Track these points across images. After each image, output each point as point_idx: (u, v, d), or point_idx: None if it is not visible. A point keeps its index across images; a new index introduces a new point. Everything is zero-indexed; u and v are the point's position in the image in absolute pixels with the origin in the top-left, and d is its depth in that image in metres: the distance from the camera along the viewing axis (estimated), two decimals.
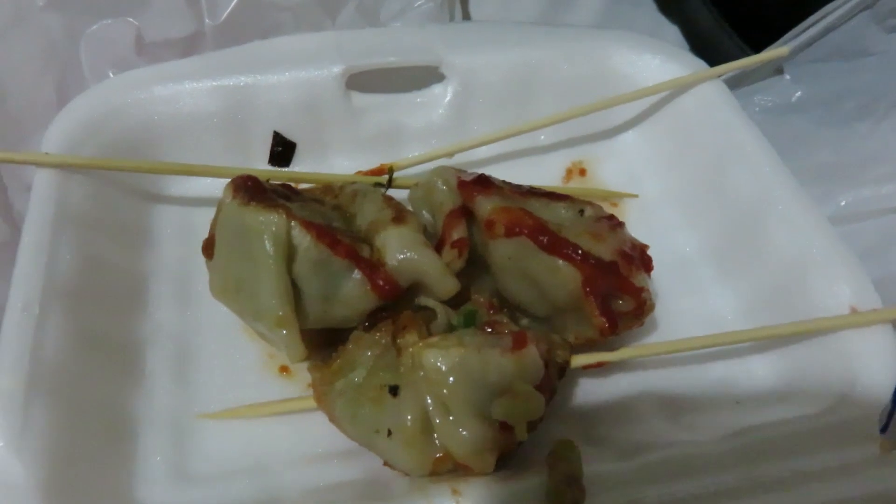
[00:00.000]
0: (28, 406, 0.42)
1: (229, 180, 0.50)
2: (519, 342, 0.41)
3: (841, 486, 0.43)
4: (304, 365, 0.52)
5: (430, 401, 0.42)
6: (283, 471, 0.48)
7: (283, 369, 0.54)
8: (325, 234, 0.48)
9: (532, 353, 0.42)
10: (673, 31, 0.84)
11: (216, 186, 0.54)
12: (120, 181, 0.58)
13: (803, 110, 0.68)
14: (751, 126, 0.61)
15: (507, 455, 0.43)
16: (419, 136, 0.67)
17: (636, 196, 0.66)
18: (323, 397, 0.48)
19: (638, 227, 0.56)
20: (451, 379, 0.41)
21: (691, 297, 0.59)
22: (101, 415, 0.47)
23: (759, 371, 0.54)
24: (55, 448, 0.42)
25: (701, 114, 0.64)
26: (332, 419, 0.47)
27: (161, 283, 0.57)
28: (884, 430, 0.47)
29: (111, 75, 0.63)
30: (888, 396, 0.46)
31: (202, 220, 0.54)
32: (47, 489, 0.40)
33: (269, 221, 0.47)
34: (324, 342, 0.52)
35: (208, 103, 0.61)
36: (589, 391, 0.53)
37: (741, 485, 0.42)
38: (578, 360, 0.49)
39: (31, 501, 0.39)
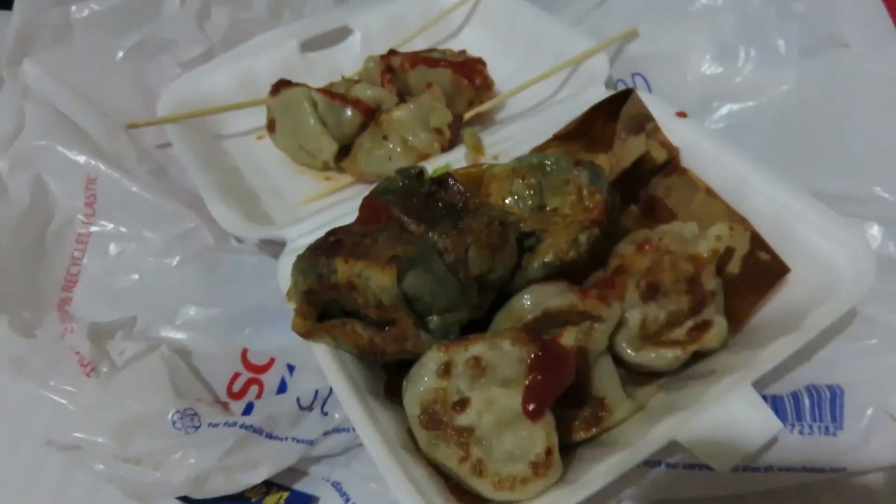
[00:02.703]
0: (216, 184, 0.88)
1: (272, 83, 0.98)
2: (429, 86, 0.91)
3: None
4: (336, 175, 1.00)
5: (403, 132, 0.91)
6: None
7: (328, 178, 1.01)
8: (327, 92, 0.96)
9: (437, 90, 0.92)
10: None
11: (244, 116, 1.04)
12: (200, 122, 1.04)
13: None
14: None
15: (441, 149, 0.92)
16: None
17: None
18: (352, 166, 0.95)
19: None
20: (408, 118, 0.90)
21: None
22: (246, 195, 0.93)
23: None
24: (236, 197, 0.88)
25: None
26: (359, 173, 0.95)
27: (239, 155, 1.04)
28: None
29: (171, 81, 1.10)
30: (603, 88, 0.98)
31: (245, 133, 1.03)
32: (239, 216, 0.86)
33: (300, 91, 0.95)
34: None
35: (228, 79, 1.09)
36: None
37: None
38: (468, 114, 0.99)
39: (234, 222, 0.85)
